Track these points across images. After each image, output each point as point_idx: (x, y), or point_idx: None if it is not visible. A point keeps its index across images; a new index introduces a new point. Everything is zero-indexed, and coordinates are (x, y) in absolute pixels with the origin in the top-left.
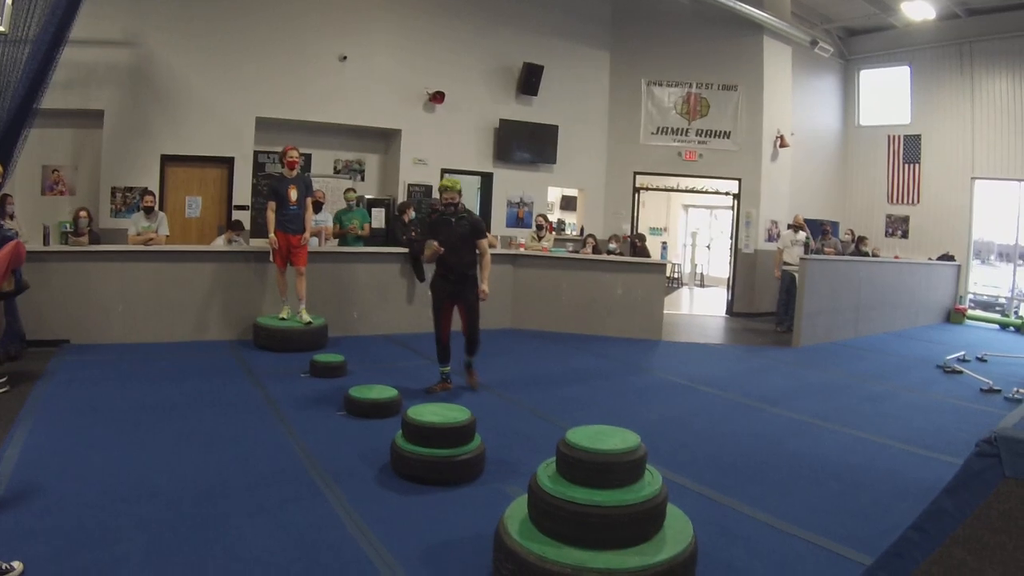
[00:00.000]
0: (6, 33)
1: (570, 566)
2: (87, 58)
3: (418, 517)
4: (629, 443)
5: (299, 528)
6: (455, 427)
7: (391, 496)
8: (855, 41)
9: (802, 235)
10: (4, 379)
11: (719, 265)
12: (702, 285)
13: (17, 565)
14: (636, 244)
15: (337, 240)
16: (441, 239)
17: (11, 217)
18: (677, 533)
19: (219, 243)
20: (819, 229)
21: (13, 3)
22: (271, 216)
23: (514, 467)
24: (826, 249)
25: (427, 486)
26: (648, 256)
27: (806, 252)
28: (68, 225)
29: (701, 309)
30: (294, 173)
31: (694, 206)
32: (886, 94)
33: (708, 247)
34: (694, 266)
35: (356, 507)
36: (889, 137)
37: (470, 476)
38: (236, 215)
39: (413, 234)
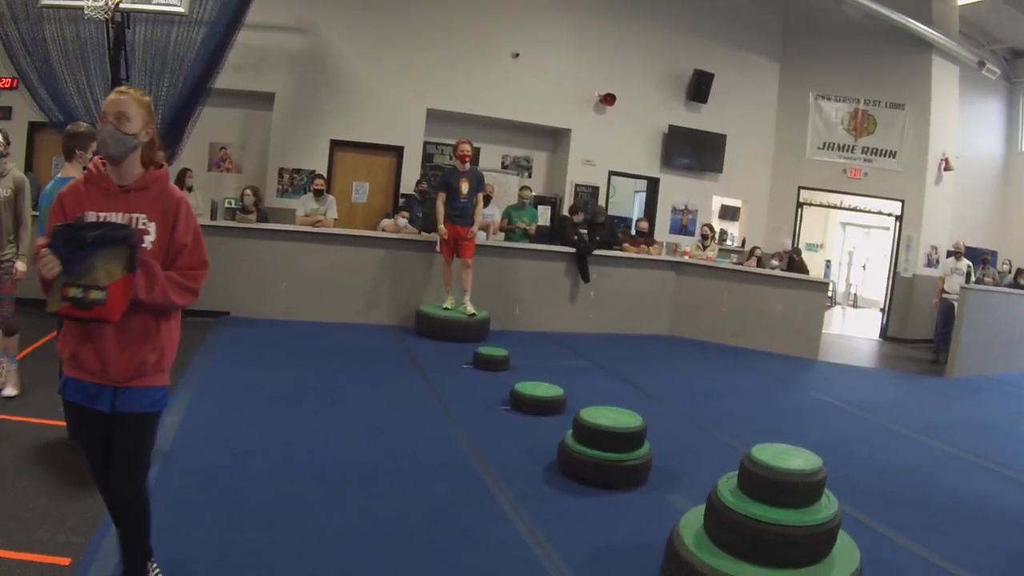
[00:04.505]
0: (185, 14)
1: None
2: (261, 42)
3: (584, 519)
4: (812, 464)
5: (466, 521)
6: (628, 432)
7: (558, 496)
8: (1021, 64)
9: (964, 263)
10: None
11: (873, 286)
12: (855, 306)
13: None
14: (793, 259)
15: (504, 235)
16: None
17: (190, 190)
18: (845, 557)
19: (386, 223)
20: (979, 258)
21: None
22: (440, 207)
23: (677, 477)
24: (985, 279)
25: (593, 488)
26: (805, 272)
27: (967, 281)
28: (235, 202)
29: (854, 330)
30: (466, 166)
31: (852, 224)
32: None
33: (864, 267)
34: (848, 285)
35: (523, 505)
36: None
37: (636, 482)
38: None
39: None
